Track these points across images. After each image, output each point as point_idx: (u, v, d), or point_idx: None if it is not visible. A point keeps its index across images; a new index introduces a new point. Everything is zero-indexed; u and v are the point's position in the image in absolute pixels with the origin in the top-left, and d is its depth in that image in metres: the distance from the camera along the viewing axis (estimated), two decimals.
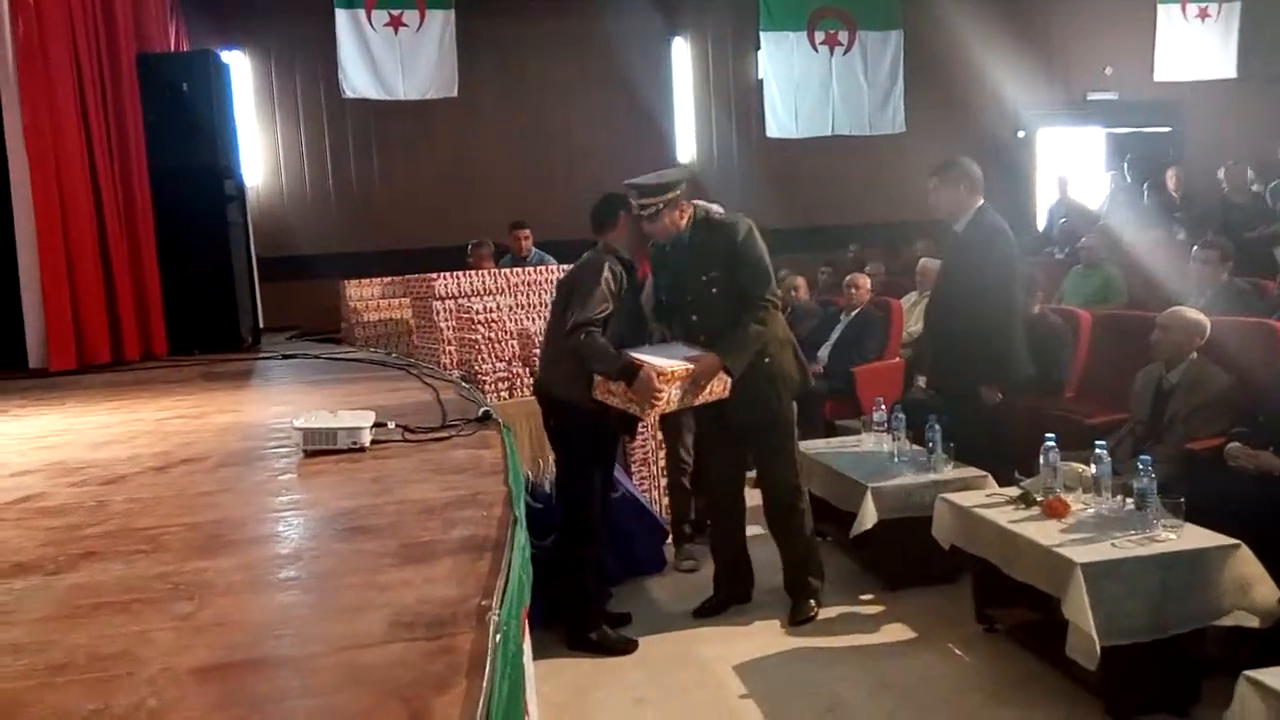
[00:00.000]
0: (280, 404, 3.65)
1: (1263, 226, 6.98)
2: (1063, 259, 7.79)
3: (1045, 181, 10.17)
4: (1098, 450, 3.02)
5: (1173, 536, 2.68)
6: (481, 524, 1.86)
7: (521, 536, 1.76)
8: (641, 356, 3.18)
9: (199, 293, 5.76)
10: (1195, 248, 4.90)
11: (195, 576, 1.63)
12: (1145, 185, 8.30)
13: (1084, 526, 2.83)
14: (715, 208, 3.56)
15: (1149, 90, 9.49)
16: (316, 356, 5.19)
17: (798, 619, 3.50)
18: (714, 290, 3.39)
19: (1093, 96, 10.26)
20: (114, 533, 1.92)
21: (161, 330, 5.49)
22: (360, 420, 2.63)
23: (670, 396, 3.16)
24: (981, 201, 3.86)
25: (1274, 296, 4.54)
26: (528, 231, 6.87)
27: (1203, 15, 9.11)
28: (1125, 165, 8.93)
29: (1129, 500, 2.88)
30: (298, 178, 8.63)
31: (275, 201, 8.50)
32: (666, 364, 3.14)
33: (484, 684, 1.16)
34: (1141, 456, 2.88)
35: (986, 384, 3.79)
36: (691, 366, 3.19)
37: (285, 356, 5.29)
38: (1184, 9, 9.08)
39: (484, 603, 1.42)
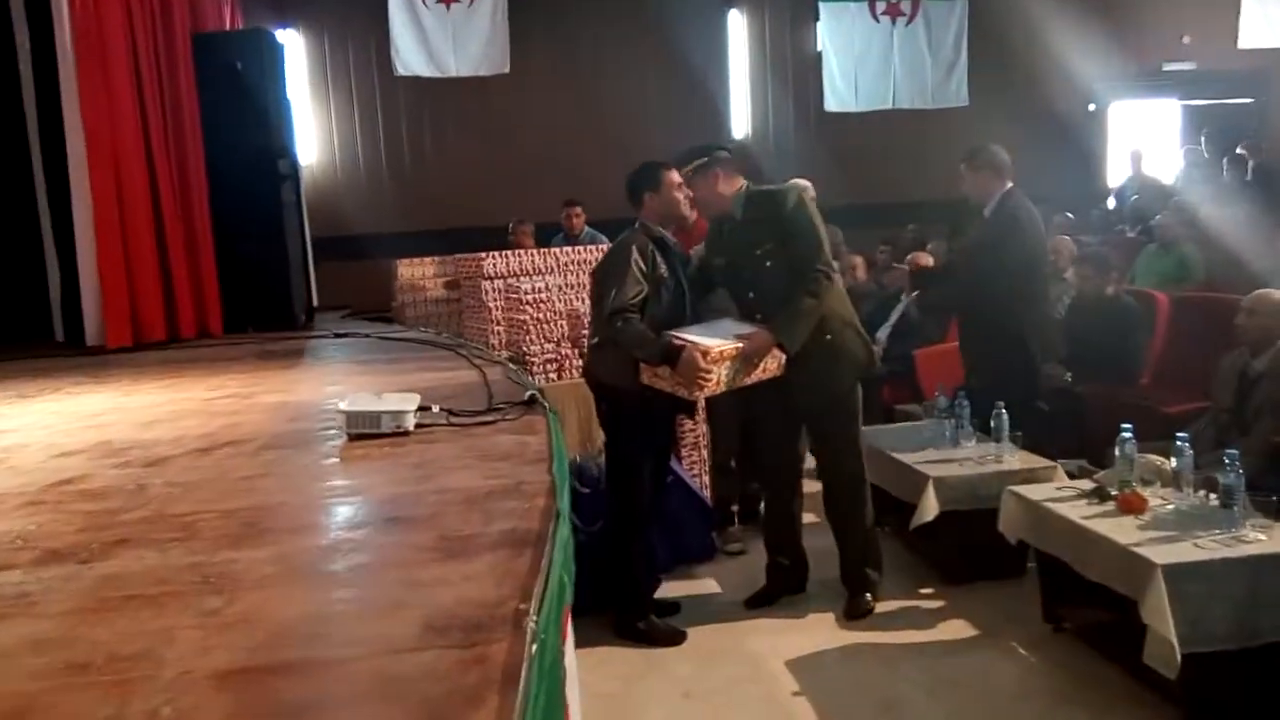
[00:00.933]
0: (330, 384, 3.62)
1: None
2: (1134, 237, 7.46)
3: (1117, 157, 9.77)
4: (1178, 442, 2.84)
5: (1262, 537, 2.49)
6: (524, 516, 1.77)
7: (564, 531, 1.67)
8: (687, 336, 3.07)
9: (254, 271, 5.78)
10: None
11: (226, 568, 1.58)
12: (1224, 160, 7.89)
13: (1164, 524, 2.65)
14: (802, 183, 3.51)
15: (1230, 59, 9.04)
16: (367, 335, 5.17)
17: (855, 613, 3.38)
18: (768, 264, 3.26)
19: (1169, 67, 9.80)
20: (150, 519, 1.88)
21: (217, 308, 5.53)
22: (405, 403, 2.56)
23: (719, 377, 3.03)
24: (1009, 185, 3.96)
25: None
26: (580, 209, 6.76)
27: None
28: (1203, 139, 8.51)
29: (1213, 496, 2.70)
30: (351, 157, 8.65)
31: (329, 181, 8.53)
32: (713, 343, 3.02)
33: (518, 701, 1.08)
34: (1227, 450, 2.69)
35: (1008, 365, 3.89)
36: (740, 345, 3.07)
37: (337, 335, 5.29)
38: None
39: (521, 606, 1.33)
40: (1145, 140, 9.41)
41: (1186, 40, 9.63)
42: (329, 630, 1.33)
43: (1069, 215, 7.76)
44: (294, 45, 8.22)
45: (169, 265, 5.16)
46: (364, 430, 2.49)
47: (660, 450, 3.46)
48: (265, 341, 5.16)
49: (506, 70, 7.88)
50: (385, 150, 8.70)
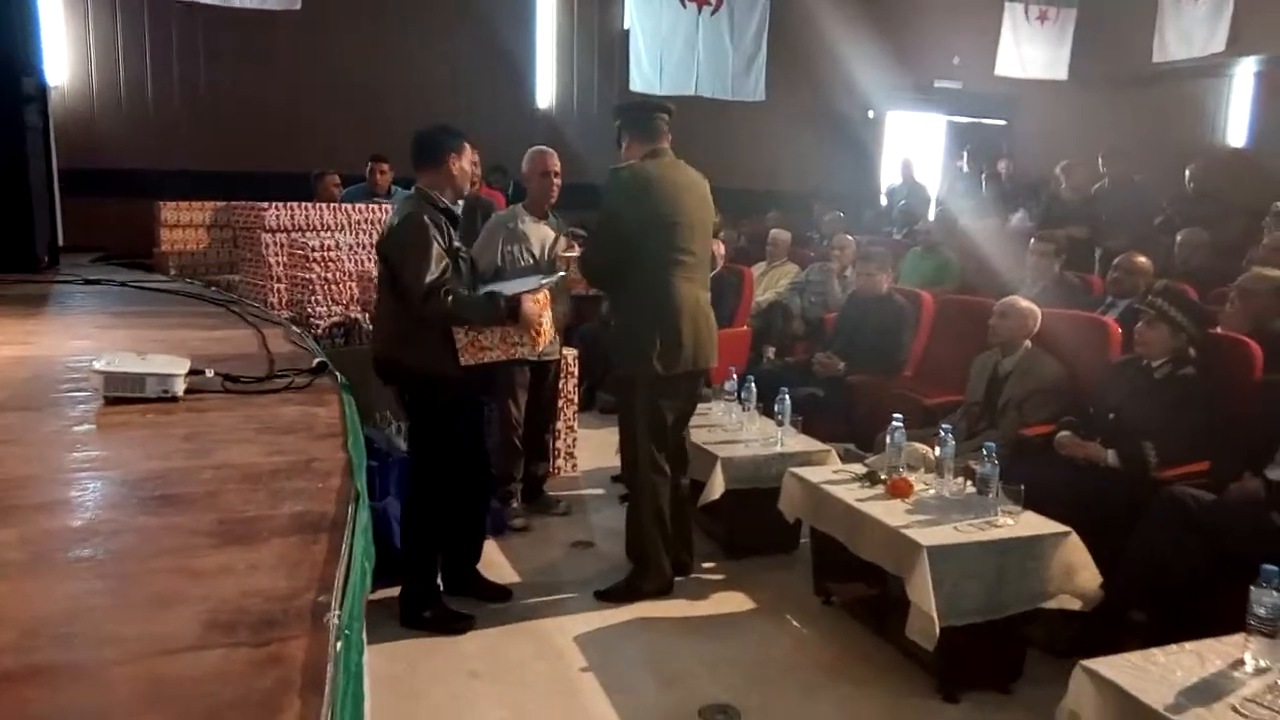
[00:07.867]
0: (79, 338, 3.22)
1: (1077, 226, 7.30)
2: (900, 239, 8.04)
3: (890, 162, 10.53)
4: (942, 433, 3.09)
5: (1010, 522, 2.77)
6: (316, 498, 1.64)
7: (364, 516, 1.57)
8: (503, 290, 3.06)
9: None
10: (1033, 239, 5.12)
11: None
12: (983, 175, 8.68)
13: (927, 508, 2.88)
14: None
15: (989, 83, 9.94)
16: (123, 284, 4.67)
17: (602, 594, 3.36)
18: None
19: (939, 84, 10.65)
20: None
21: None
22: (173, 365, 2.32)
23: (546, 323, 3.12)
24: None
25: (1099, 294, 4.80)
26: (388, 166, 6.42)
27: (1043, 18, 9.60)
28: (965, 154, 9.32)
29: (970, 483, 2.96)
30: (111, 81, 7.75)
31: (84, 106, 7.62)
32: (532, 286, 3.09)
33: (324, 706, 0.99)
34: (986, 443, 2.96)
35: None
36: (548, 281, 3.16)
37: (87, 281, 4.74)
38: (1026, 9, 9.54)
39: (321, 599, 1.23)
40: (915, 149, 10.19)
41: (956, 61, 10.49)
42: (92, 628, 1.16)
43: (840, 214, 8.24)
44: None
45: None
46: (124, 394, 2.24)
47: (467, 429, 3.22)
48: (1, 285, 4.54)
49: (298, 6, 7.31)
50: (152, 77, 7.86)
